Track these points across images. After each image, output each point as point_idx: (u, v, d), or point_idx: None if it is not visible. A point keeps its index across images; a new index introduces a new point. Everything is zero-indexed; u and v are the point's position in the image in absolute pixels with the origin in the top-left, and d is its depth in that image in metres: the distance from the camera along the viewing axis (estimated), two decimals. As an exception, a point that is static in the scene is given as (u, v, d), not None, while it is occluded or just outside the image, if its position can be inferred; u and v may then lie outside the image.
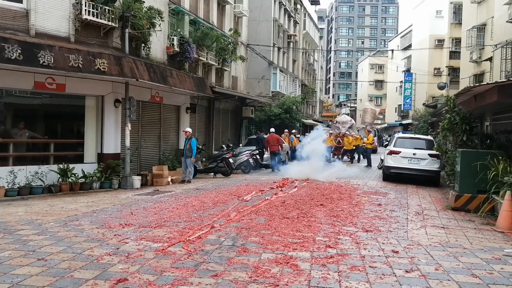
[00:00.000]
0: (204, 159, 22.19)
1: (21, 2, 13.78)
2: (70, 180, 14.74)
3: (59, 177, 14.71)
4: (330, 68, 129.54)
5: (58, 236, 8.04)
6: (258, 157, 24.03)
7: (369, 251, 7.46)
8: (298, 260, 6.75)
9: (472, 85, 16.58)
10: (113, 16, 15.99)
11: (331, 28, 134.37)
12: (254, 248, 7.35)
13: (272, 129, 25.62)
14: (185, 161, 18.56)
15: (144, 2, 17.80)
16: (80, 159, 16.06)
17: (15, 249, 7.11)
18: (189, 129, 19.16)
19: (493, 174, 11.08)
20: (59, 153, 15.41)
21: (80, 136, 16.33)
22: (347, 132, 32.94)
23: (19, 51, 12.37)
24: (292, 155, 27.32)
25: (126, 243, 7.59)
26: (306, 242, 7.88)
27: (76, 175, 15.03)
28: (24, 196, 13.45)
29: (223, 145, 23.65)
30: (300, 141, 29.26)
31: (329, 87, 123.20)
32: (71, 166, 14.94)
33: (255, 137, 27.50)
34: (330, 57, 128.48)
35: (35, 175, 14.18)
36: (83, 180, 15.24)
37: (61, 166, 14.73)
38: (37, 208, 11.37)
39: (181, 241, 7.66)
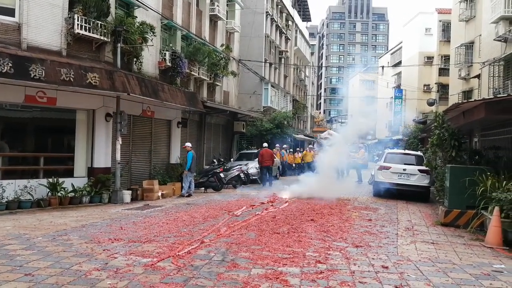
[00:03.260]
0: (195, 174, 22.18)
1: (13, 16, 13.78)
2: (59, 194, 14.63)
3: (49, 191, 14.60)
4: (321, 83, 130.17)
5: (46, 251, 7.97)
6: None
7: (359, 266, 7.46)
8: (288, 275, 6.74)
9: (460, 101, 16.73)
10: (105, 31, 16.01)
11: (322, 44, 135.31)
12: (244, 264, 7.33)
13: (265, 144, 25.71)
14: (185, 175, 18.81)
15: (136, 17, 17.91)
16: (70, 173, 15.97)
17: (2, 264, 7.04)
18: (187, 144, 19.34)
19: (481, 189, 11.14)
20: (49, 167, 15.34)
21: (71, 150, 16.23)
22: None
23: (10, 64, 12.35)
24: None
25: (115, 258, 7.54)
26: (296, 257, 7.88)
27: (66, 189, 14.92)
28: (12, 210, 13.30)
29: (214, 160, 23.63)
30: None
31: (320, 103, 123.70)
32: (60, 180, 14.84)
33: (247, 152, 27.64)
34: (321, 73, 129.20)
35: (24, 189, 14.03)
36: (72, 194, 15.13)
37: (50, 180, 14.63)
38: (26, 222, 11.27)
39: (170, 256, 7.64)
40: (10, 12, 13.74)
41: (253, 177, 24.92)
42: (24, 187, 14.09)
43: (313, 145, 38.07)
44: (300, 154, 35.00)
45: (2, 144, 14.71)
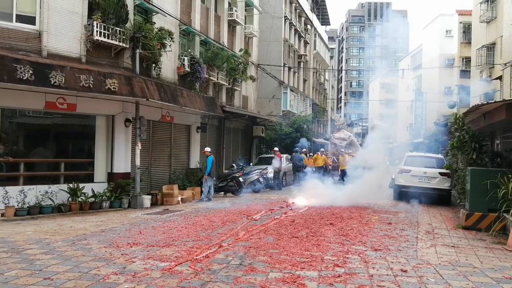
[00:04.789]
0: (214, 179, 22.22)
1: (34, 24, 14.01)
2: (80, 199, 14.78)
3: (69, 197, 14.76)
4: (341, 87, 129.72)
5: (65, 255, 8.05)
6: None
7: (377, 270, 7.39)
8: (305, 279, 6.70)
9: (480, 103, 16.53)
10: (124, 37, 16.17)
11: (342, 48, 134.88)
12: (261, 267, 7.31)
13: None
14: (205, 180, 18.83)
15: (154, 23, 18.05)
16: (90, 179, 16.14)
17: (22, 268, 7.13)
18: (207, 149, 19.38)
19: (503, 192, 10.97)
20: (69, 173, 15.53)
21: (91, 155, 16.42)
22: (342, 150, 31.03)
23: (31, 71, 12.55)
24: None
25: (133, 262, 7.58)
26: (314, 261, 7.83)
27: (86, 194, 15.06)
28: (33, 215, 13.47)
29: (234, 164, 23.69)
30: None
31: (340, 106, 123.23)
32: (81, 185, 15.00)
33: (266, 156, 27.71)
34: (341, 77, 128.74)
35: (45, 195, 14.22)
36: (93, 199, 15.27)
37: (71, 185, 14.79)
38: (46, 227, 11.41)
39: (188, 260, 7.65)
40: (31, 20, 13.98)
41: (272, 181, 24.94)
42: (45, 192, 14.28)
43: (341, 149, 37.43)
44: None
45: (42, 150, 14.98)
